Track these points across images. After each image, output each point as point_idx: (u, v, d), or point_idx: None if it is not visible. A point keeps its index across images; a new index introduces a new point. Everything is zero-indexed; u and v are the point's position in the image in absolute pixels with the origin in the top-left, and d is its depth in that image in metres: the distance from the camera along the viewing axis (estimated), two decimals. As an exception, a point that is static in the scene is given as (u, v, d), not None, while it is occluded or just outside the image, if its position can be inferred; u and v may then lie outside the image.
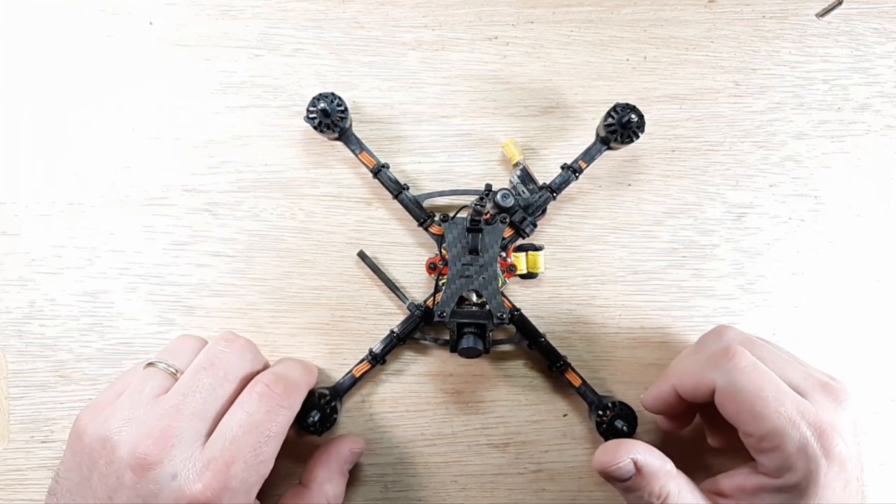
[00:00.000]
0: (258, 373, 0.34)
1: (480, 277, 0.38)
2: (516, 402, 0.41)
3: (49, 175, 0.41)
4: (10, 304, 0.41)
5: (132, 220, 0.41)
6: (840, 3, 0.44)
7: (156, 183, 0.42)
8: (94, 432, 0.31)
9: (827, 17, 0.44)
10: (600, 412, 0.38)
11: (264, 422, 0.31)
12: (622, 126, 0.38)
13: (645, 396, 0.38)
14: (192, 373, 0.33)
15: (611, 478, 0.34)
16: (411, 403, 0.41)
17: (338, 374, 0.40)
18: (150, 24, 0.42)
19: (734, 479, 0.33)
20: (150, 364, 0.34)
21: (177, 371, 0.33)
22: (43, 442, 0.40)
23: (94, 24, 0.42)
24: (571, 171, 0.40)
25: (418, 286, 0.42)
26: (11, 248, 0.41)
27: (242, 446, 0.30)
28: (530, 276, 0.41)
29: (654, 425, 0.41)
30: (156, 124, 0.42)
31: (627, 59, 0.43)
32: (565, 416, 0.41)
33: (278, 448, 0.32)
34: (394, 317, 0.41)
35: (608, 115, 0.38)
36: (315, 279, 0.41)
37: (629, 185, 0.43)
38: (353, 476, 0.41)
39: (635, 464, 0.33)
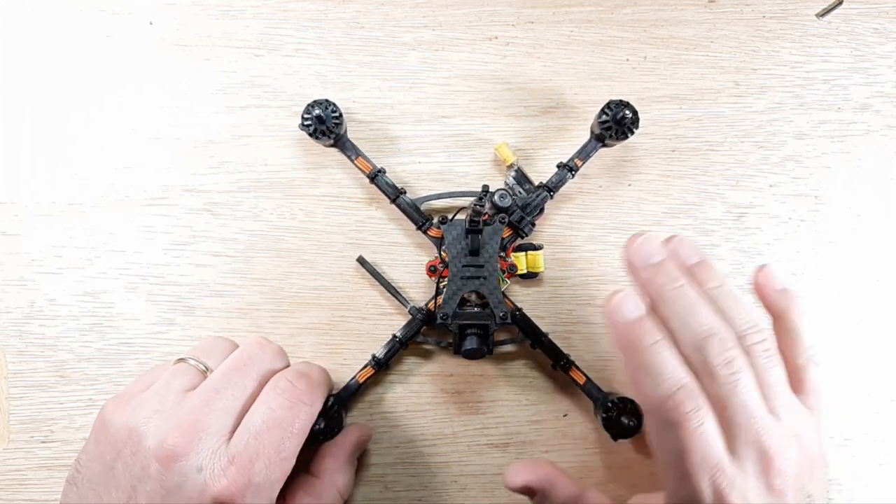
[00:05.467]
0: None
1: (481, 278, 0.38)
2: (516, 402, 0.41)
3: (49, 175, 0.41)
4: (10, 304, 0.41)
5: (132, 220, 0.41)
6: (840, 3, 0.44)
7: (156, 183, 0.42)
8: (120, 422, 0.31)
9: (827, 17, 0.44)
10: (606, 409, 0.38)
11: (287, 418, 0.32)
12: (617, 123, 0.38)
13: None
14: (223, 371, 0.33)
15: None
16: (411, 403, 0.41)
17: (338, 374, 0.40)
18: (150, 24, 0.42)
19: (648, 501, 0.34)
20: (180, 360, 0.34)
21: (206, 369, 0.34)
22: (43, 442, 0.40)
23: (94, 24, 0.42)
24: (567, 169, 0.40)
25: (419, 286, 0.42)
26: (11, 248, 0.41)
27: (266, 442, 0.30)
28: (531, 275, 0.41)
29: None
30: (156, 124, 0.42)
31: (627, 59, 0.43)
32: (565, 416, 0.41)
33: (300, 445, 0.32)
34: (394, 317, 0.41)
35: (602, 112, 0.39)
36: (315, 279, 0.41)
37: (629, 185, 0.43)
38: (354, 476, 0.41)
39: (532, 487, 0.36)
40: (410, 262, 0.42)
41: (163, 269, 0.41)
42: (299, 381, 0.33)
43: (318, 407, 0.34)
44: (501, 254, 0.39)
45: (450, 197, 0.41)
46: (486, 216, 0.38)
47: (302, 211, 0.42)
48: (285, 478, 0.32)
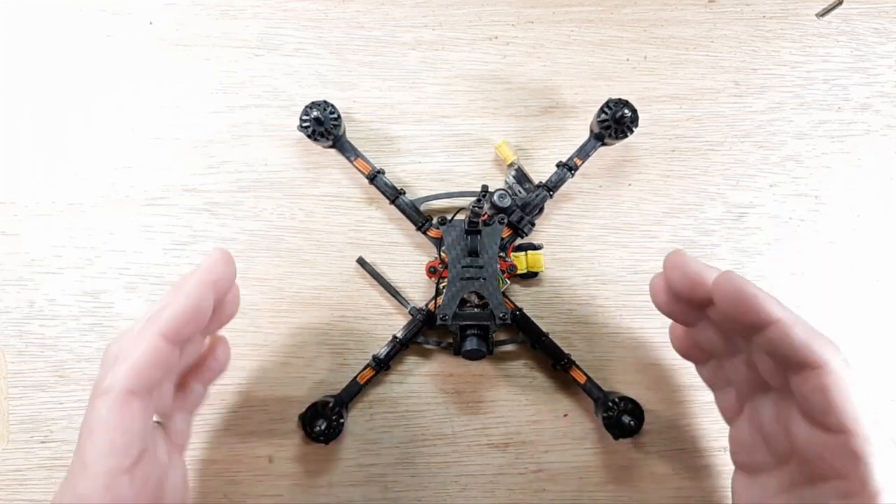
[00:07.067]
0: None
1: (481, 278, 0.38)
2: (516, 402, 0.41)
3: (49, 175, 0.41)
4: (10, 304, 0.41)
5: (132, 220, 0.41)
6: (840, 3, 0.44)
7: (156, 183, 0.42)
8: None
9: (827, 17, 0.44)
10: (607, 408, 0.38)
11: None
12: (616, 121, 0.38)
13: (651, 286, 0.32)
14: None
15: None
16: (411, 403, 0.41)
17: (338, 374, 0.40)
18: (150, 24, 0.42)
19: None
20: None
21: None
22: (42, 442, 0.40)
23: (94, 24, 0.42)
24: (567, 168, 0.40)
25: (419, 286, 0.42)
26: (11, 248, 0.41)
27: None
28: (531, 275, 0.41)
29: (663, 423, 0.41)
30: (156, 124, 0.42)
31: (627, 59, 0.43)
32: (565, 416, 0.41)
33: None
34: (394, 317, 0.41)
35: (601, 110, 0.39)
36: (315, 279, 0.41)
37: (629, 185, 0.43)
38: (354, 476, 0.41)
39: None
40: (410, 263, 0.42)
41: (163, 269, 0.41)
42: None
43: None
44: (501, 254, 0.39)
45: (449, 197, 0.41)
46: (486, 216, 0.38)
47: (302, 211, 0.42)
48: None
